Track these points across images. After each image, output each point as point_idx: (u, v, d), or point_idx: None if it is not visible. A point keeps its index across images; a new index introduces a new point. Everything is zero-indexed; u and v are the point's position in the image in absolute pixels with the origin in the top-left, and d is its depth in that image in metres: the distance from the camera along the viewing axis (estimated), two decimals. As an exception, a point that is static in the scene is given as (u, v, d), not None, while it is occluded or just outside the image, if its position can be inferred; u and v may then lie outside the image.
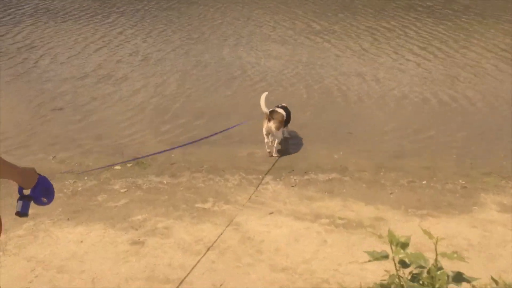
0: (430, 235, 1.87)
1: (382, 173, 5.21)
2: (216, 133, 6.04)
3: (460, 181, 5.01)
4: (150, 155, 5.50)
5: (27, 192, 2.05)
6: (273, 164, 5.48)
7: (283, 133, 5.85)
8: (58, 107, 7.07)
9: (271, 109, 5.67)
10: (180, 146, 5.66)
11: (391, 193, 4.77)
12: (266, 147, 5.78)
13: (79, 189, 4.90)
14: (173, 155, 5.72)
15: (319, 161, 5.53)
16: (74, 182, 5.01)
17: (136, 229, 4.16)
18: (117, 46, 10.22)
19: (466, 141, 6.02)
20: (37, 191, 2.06)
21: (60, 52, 9.65)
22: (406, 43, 10.18)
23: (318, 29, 11.50)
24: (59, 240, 4.03)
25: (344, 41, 10.48)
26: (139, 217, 4.36)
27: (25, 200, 2.04)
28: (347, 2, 14.28)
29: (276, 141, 5.64)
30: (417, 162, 5.51)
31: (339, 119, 6.78)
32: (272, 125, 5.50)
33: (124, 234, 4.08)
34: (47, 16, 12.50)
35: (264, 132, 5.72)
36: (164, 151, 5.50)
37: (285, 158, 5.66)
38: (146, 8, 13.77)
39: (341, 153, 5.74)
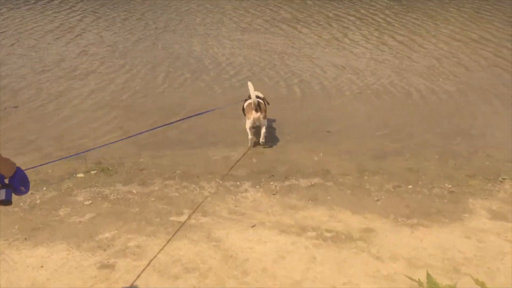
0: (483, 286, 1.59)
1: (366, 177, 4.95)
2: (184, 119, 5.75)
3: (446, 184, 4.81)
4: (100, 146, 5.10)
5: (6, 181, 2.12)
6: (236, 164, 5.13)
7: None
8: (13, 105, 6.47)
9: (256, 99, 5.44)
10: (138, 134, 5.21)
11: (377, 200, 4.52)
12: (250, 143, 5.54)
13: (38, 201, 4.41)
14: (141, 159, 5.28)
15: (300, 164, 5.22)
16: (32, 193, 4.51)
17: (105, 249, 3.74)
18: (79, 35, 9.59)
19: (447, 139, 5.85)
20: (16, 180, 2.13)
21: (16, 43, 8.95)
22: (380, 33, 9.98)
23: (289, 17, 11.16)
24: (17, 265, 3.56)
25: (317, 30, 10.20)
26: (107, 234, 3.93)
27: (7, 189, 2.10)
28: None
29: (264, 128, 5.51)
30: (400, 163, 5.29)
31: (317, 115, 6.50)
32: (260, 115, 5.38)
33: (91, 256, 3.65)
34: (-3, 2, 11.63)
35: (250, 125, 5.45)
36: (115, 141, 5.06)
37: (263, 160, 5.32)
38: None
39: (321, 154, 5.45)
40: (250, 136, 5.57)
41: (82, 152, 5.12)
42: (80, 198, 4.47)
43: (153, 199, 4.49)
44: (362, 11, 11.70)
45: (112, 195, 4.54)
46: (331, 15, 11.36)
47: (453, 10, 11.84)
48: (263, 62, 8.33)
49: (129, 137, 5.14)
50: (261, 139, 5.54)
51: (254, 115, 5.40)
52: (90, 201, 4.42)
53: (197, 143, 5.71)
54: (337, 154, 5.46)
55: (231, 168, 5.08)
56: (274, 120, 6.17)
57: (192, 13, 11.44)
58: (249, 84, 5.50)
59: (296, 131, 6.02)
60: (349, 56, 8.71)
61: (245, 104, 5.72)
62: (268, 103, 5.77)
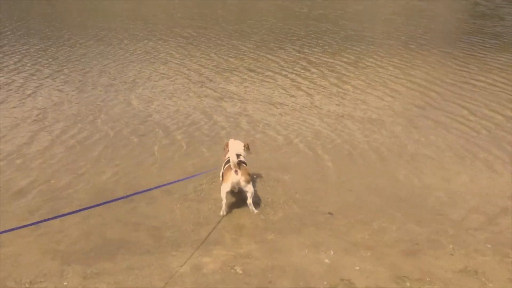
0: None
1: (409, 290, 3.35)
2: (141, 192, 4.44)
3: (528, 294, 3.29)
4: None
5: None
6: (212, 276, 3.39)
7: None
8: None
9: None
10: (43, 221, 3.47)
11: (444, 336, 2.90)
12: (223, 209, 4.34)
13: None
14: (65, 283, 3.43)
15: (306, 272, 3.56)
16: None
17: None
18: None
19: (493, 217, 4.39)
20: None
21: None
22: (377, 76, 8.74)
23: (260, 65, 9.77)
24: None
25: (295, 77, 8.83)
26: None
27: None
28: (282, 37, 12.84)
29: (250, 195, 4.35)
30: (445, 259, 3.74)
31: (311, 188, 4.91)
32: (241, 177, 4.26)
33: None
34: None
35: (228, 189, 4.30)
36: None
37: (253, 270, 3.60)
38: (48, 45, 11.28)
39: (332, 252, 3.82)
40: (224, 201, 4.33)
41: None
42: None
43: None
44: (351, 56, 10.58)
45: None
46: (304, 63, 10.15)
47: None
48: (256, 115, 6.94)
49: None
50: (251, 209, 4.37)
51: (233, 178, 4.25)
52: None
53: (151, 245, 3.94)
54: (354, 251, 3.85)
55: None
56: (259, 200, 4.56)
57: (149, 64, 9.89)
58: (231, 141, 4.67)
59: (288, 215, 4.40)
60: (348, 106, 7.44)
61: (225, 168, 4.49)
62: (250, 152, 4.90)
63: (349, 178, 5.17)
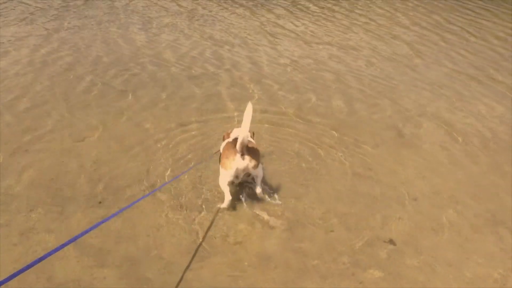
0: None
1: None
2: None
3: None
4: None
5: None
6: None
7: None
8: None
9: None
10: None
11: None
12: (226, 202, 3.18)
13: None
14: None
15: None
16: None
17: None
18: None
19: None
20: None
21: None
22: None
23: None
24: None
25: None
26: None
27: None
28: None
29: (259, 181, 3.28)
30: None
31: (360, 192, 3.41)
32: (249, 162, 3.15)
33: None
34: None
35: (228, 179, 3.17)
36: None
37: None
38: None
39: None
40: (227, 196, 3.18)
41: None
42: None
43: None
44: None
45: None
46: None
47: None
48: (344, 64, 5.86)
49: None
50: (258, 191, 3.28)
51: (237, 162, 3.13)
52: None
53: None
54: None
55: None
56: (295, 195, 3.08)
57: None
58: (249, 105, 3.16)
59: (332, 242, 2.96)
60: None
61: (222, 146, 3.46)
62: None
63: (412, 177, 3.68)
